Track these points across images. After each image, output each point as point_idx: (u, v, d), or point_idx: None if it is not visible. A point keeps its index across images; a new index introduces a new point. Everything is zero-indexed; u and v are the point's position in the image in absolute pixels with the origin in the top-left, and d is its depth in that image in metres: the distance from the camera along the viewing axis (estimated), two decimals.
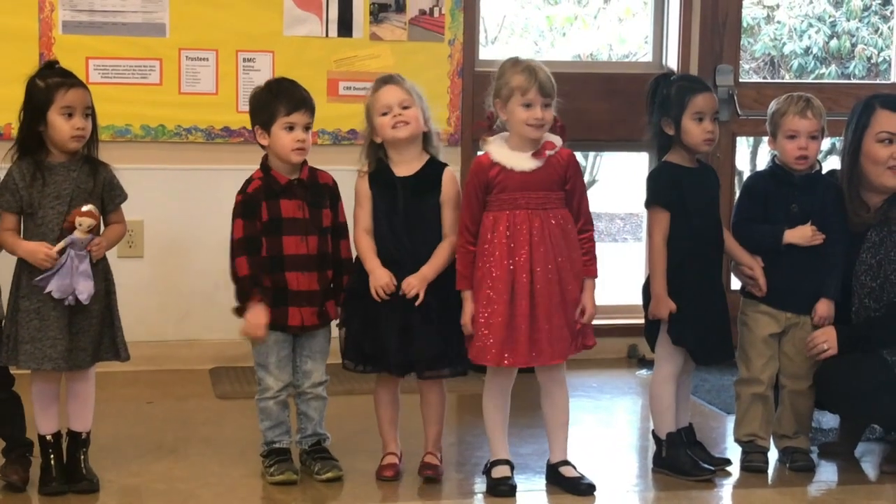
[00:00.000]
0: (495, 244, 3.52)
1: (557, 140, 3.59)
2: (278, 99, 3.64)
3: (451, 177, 3.69)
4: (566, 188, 3.59)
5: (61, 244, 3.44)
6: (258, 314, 3.60)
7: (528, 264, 3.51)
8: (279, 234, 3.63)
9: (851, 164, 3.88)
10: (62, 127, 3.48)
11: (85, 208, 3.47)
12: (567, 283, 3.56)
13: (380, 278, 3.59)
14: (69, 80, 3.53)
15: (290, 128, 3.62)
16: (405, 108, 3.62)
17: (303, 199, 3.66)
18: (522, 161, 3.54)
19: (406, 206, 3.64)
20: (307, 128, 3.64)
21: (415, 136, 3.65)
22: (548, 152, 3.55)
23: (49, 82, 3.50)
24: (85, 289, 3.47)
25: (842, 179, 3.90)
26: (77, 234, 3.45)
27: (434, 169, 3.68)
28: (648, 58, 5.66)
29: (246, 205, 3.65)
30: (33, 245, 3.46)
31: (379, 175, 3.67)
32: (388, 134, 3.62)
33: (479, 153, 3.68)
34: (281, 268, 3.63)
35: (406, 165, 3.66)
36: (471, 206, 3.56)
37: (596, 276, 3.64)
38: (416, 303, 3.58)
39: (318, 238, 3.66)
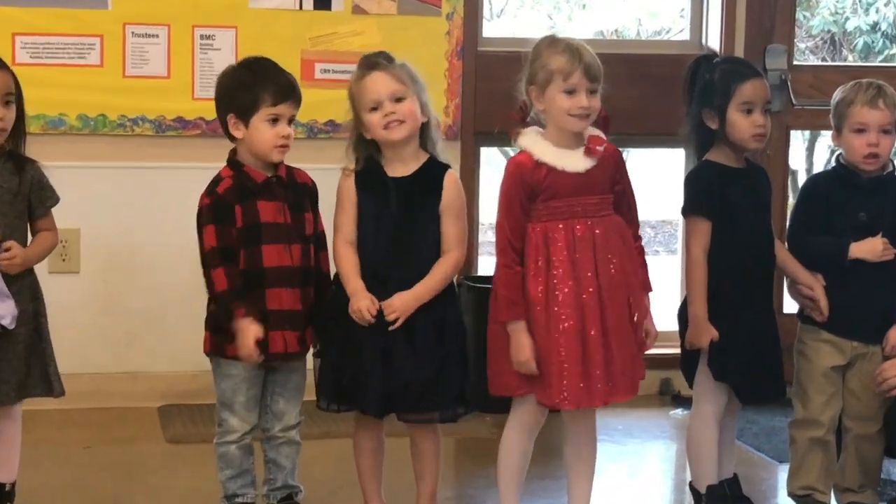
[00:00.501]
0: (555, 263, 3.50)
1: (602, 134, 3.57)
2: (263, 84, 3.62)
3: (455, 181, 3.68)
4: (615, 189, 3.58)
5: None
6: (247, 332, 3.53)
7: (595, 282, 3.50)
8: (258, 243, 3.60)
9: None
10: None
11: None
12: (636, 302, 3.57)
13: (360, 300, 3.57)
14: None
15: (275, 120, 3.62)
16: (398, 100, 3.60)
17: (283, 200, 3.64)
18: (574, 160, 3.52)
19: (399, 214, 3.63)
20: (290, 120, 3.64)
21: (412, 135, 3.64)
22: (599, 148, 3.53)
23: None
24: (6, 311, 3.46)
25: None
26: None
27: (434, 170, 3.66)
28: (685, 35, 5.69)
29: (216, 207, 3.61)
30: None
31: (368, 174, 3.66)
32: (380, 135, 3.61)
33: (515, 151, 3.61)
34: (260, 283, 3.60)
35: (401, 164, 3.66)
36: (514, 217, 3.51)
37: (652, 290, 3.64)
38: (391, 327, 3.55)
39: (302, 248, 3.64)
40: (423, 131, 3.67)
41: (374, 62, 3.65)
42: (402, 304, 3.56)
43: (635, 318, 3.57)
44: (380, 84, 3.60)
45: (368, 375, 3.59)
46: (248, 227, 3.59)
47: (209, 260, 3.60)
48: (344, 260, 3.64)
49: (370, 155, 3.66)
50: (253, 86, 3.62)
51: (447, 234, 3.63)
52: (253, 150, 3.63)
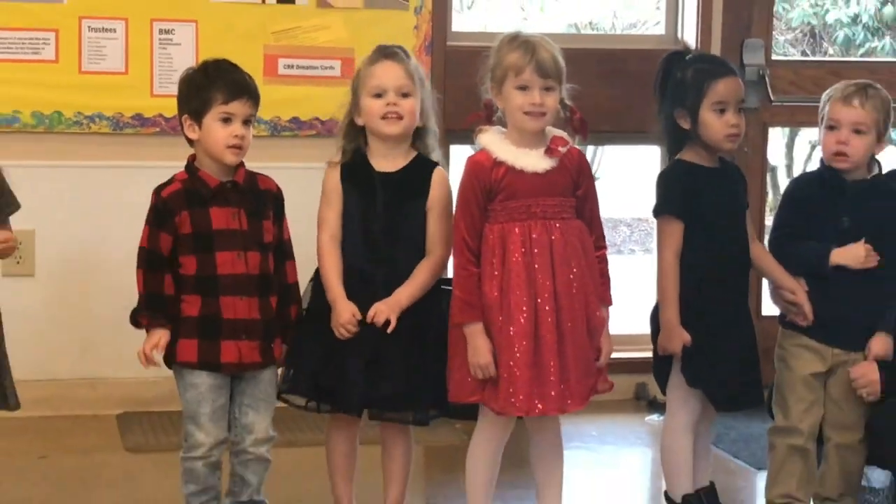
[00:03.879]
0: (511, 263, 3.51)
1: (565, 134, 3.58)
2: (215, 83, 3.61)
3: (443, 178, 3.70)
4: (577, 194, 3.59)
5: None
6: (149, 339, 3.57)
7: (551, 286, 3.50)
8: (210, 251, 3.60)
9: None
10: None
11: None
12: (592, 311, 3.58)
13: (341, 314, 3.59)
14: None
15: (227, 119, 3.61)
16: (403, 95, 3.62)
17: (238, 206, 3.63)
18: (534, 160, 3.53)
19: (386, 210, 3.64)
20: (247, 122, 3.62)
21: (406, 135, 3.66)
22: (560, 149, 3.55)
23: None
24: None
25: None
26: None
27: (422, 167, 3.68)
28: (661, 29, 5.69)
29: (156, 211, 3.61)
30: None
31: (354, 168, 3.67)
32: (375, 124, 3.63)
33: (475, 150, 3.64)
34: (214, 292, 3.59)
35: (389, 160, 3.67)
36: (471, 217, 3.53)
37: (611, 304, 3.66)
38: (388, 329, 3.58)
39: (260, 255, 3.63)
40: (419, 135, 3.69)
41: (391, 52, 3.68)
42: (390, 308, 3.58)
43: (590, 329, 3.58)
44: (390, 72, 3.63)
45: (350, 373, 3.60)
46: (199, 234, 3.59)
47: (138, 258, 3.62)
48: (327, 259, 3.65)
49: (357, 147, 3.67)
50: (206, 85, 3.61)
51: (432, 233, 3.66)
52: (207, 151, 3.62)
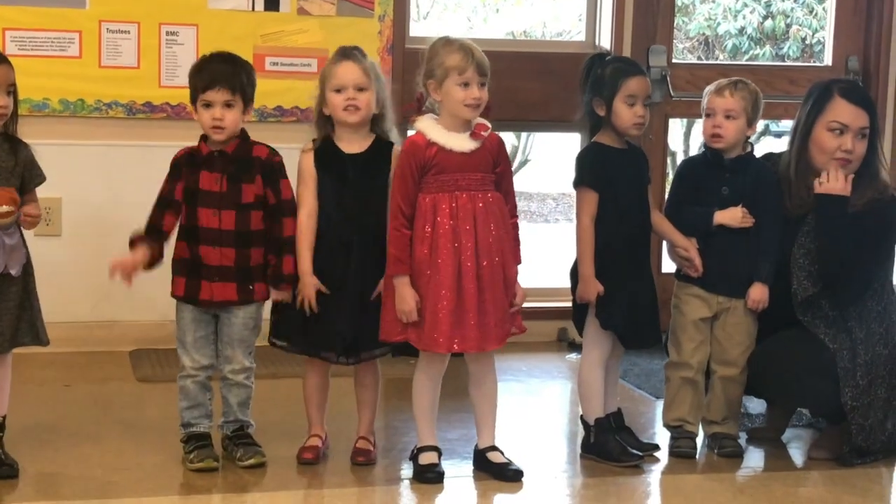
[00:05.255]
0: (439, 226, 3.51)
1: (487, 122, 3.60)
2: (197, 75, 3.63)
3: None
4: (496, 171, 3.60)
5: None
6: (131, 253, 3.62)
7: (473, 247, 3.51)
8: (195, 206, 3.62)
9: (801, 146, 3.92)
10: None
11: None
12: (508, 266, 3.59)
13: (307, 286, 3.59)
14: None
15: (208, 105, 3.59)
16: (360, 90, 3.61)
17: (221, 171, 3.62)
18: (461, 141, 3.54)
19: (357, 185, 3.63)
20: (228, 104, 3.60)
21: (364, 122, 3.65)
22: (483, 133, 3.56)
23: None
24: (17, 261, 3.44)
25: (789, 160, 3.94)
26: None
27: (382, 147, 3.68)
28: (582, 37, 5.68)
29: (171, 167, 3.68)
30: None
31: (326, 152, 3.66)
32: (338, 114, 3.62)
33: (410, 133, 3.67)
34: (196, 240, 3.62)
35: (354, 143, 3.66)
36: (406, 188, 3.53)
37: (521, 262, 3.67)
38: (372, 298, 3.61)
39: (237, 214, 3.61)
40: (377, 120, 3.67)
41: (349, 53, 3.66)
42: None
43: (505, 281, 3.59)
44: (348, 72, 3.61)
45: (333, 330, 3.61)
46: (190, 190, 3.63)
47: (157, 198, 3.67)
48: (304, 235, 3.63)
49: (327, 135, 3.66)
50: (192, 78, 3.64)
51: None
52: (203, 129, 3.63)
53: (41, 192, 3.64)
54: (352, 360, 3.69)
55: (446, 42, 3.56)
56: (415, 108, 3.62)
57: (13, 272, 3.45)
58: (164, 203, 3.67)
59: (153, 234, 3.65)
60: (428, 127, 3.56)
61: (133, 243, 3.64)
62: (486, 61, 3.53)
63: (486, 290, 3.53)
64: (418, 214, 3.54)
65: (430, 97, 3.57)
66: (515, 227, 3.66)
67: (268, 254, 3.66)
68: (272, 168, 3.67)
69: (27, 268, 3.55)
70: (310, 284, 3.60)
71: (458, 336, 3.52)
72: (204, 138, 3.66)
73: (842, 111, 3.86)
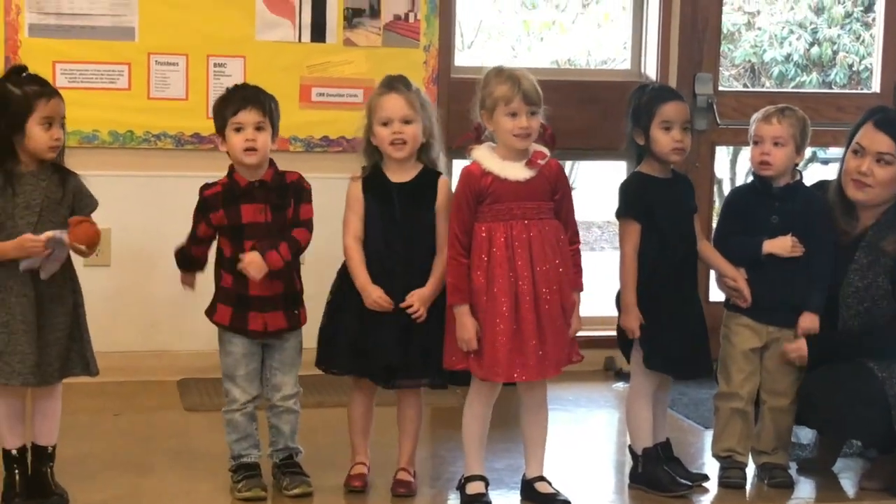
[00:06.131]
0: (495, 256, 3.51)
1: (546, 150, 3.59)
2: (227, 102, 3.65)
3: (447, 186, 3.70)
4: (555, 198, 3.59)
5: (49, 233, 3.40)
6: (183, 278, 3.81)
7: (530, 275, 3.50)
8: (241, 240, 3.62)
9: (839, 171, 3.92)
10: (41, 137, 3.45)
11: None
12: (566, 294, 3.57)
13: (371, 294, 3.59)
14: (48, 89, 3.50)
15: (239, 129, 3.61)
16: (406, 122, 3.61)
17: (264, 202, 3.64)
18: (516, 170, 3.53)
19: (402, 214, 3.64)
20: (259, 127, 3.61)
21: (412, 155, 3.65)
22: (540, 161, 3.55)
23: (27, 91, 3.45)
24: (50, 270, 3.45)
25: (836, 189, 3.92)
26: (65, 237, 3.42)
27: (429, 177, 3.68)
28: (627, 65, 5.67)
29: (198, 205, 3.70)
30: (16, 239, 3.40)
31: (374, 180, 3.67)
32: (385, 149, 3.64)
33: (468, 163, 3.66)
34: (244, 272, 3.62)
35: (402, 172, 3.67)
36: (462, 217, 3.53)
37: (583, 290, 3.65)
38: (420, 320, 3.59)
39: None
40: (424, 149, 3.68)
41: (394, 85, 3.67)
42: (420, 299, 3.58)
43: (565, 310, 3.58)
44: (395, 105, 3.61)
45: (382, 347, 3.61)
46: (232, 226, 3.63)
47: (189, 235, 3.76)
48: (352, 253, 3.65)
49: (375, 163, 3.67)
50: (220, 107, 3.66)
51: (441, 233, 3.65)
52: (233, 158, 3.65)
53: None
54: (392, 385, 3.68)
55: (497, 72, 3.56)
56: (473, 137, 3.61)
57: (42, 275, 3.43)
58: (193, 240, 3.74)
59: (185, 262, 3.77)
60: (484, 156, 3.56)
61: (180, 266, 3.77)
62: (535, 90, 3.52)
63: (544, 319, 3.52)
64: (474, 244, 3.53)
65: (486, 127, 3.57)
66: (576, 253, 3.64)
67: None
68: (300, 190, 3.69)
69: (77, 298, 3.57)
70: (374, 292, 3.59)
71: (518, 365, 3.50)
72: (230, 172, 3.66)
73: (864, 134, 3.86)
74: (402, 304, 3.58)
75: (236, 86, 3.76)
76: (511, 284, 3.50)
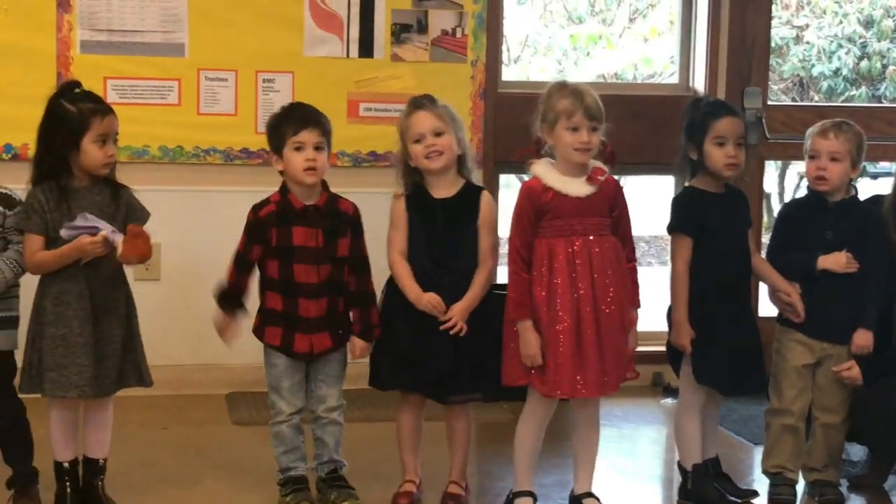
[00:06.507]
0: (556, 272, 3.49)
1: (604, 166, 3.57)
2: (286, 121, 3.65)
3: (489, 200, 3.70)
4: (613, 215, 3.58)
5: (104, 233, 3.43)
6: (225, 325, 3.72)
7: (591, 291, 3.49)
8: (290, 262, 3.63)
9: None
10: (96, 154, 3.48)
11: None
12: (625, 311, 3.56)
13: (424, 297, 3.60)
14: (102, 106, 3.54)
15: (299, 148, 3.62)
16: (438, 135, 3.62)
17: (317, 226, 3.64)
18: (577, 186, 3.52)
19: (445, 230, 3.64)
20: (318, 147, 3.63)
21: (449, 165, 3.65)
22: (600, 178, 3.54)
23: (82, 108, 3.49)
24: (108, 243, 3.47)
25: (892, 204, 3.88)
26: (119, 245, 3.44)
27: (471, 192, 3.69)
28: (675, 79, 5.65)
29: (253, 226, 3.68)
30: (74, 241, 3.43)
31: (416, 197, 3.68)
32: (422, 163, 3.64)
33: (527, 178, 3.64)
34: (292, 293, 3.63)
35: (444, 188, 3.67)
36: (523, 232, 3.52)
37: (640, 307, 3.63)
38: (461, 334, 3.59)
39: (332, 267, 3.65)
40: (460, 161, 3.68)
41: (420, 103, 3.68)
42: (459, 313, 3.58)
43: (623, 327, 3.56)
44: (423, 121, 3.62)
45: (429, 364, 3.61)
46: (282, 247, 3.63)
47: (233, 257, 3.71)
48: (399, 268, 3.66)
49: (416, 181, 3.68)
50: (280, 125, 3.66)
51: (483, 247, 3.66)
52: (290, 177, 3.65)
53: None
54: (446, 401, 3.68)
55: (560, 86, 3.55)
56: (532, 151, 3.60)
57: (104, 231, 3.43)
58: (242, 265, 3.70)
59: (233, 300, 3.70)
60: (544, 171, 3.54)
61: (222, 307, 3.70)
62: (597, 106, 3.51)
63: (604, 335, 3.50)
64: (535, 259, 3.52)
65: (546, 142, 3.56)
66: (633, 270, 3.62)
67: (348, 305, 3.69)
68: (356, 224, 3.71)
69: (130, 310, 3.61)
70: (425, 297, 3.60)
71: (580, 381, 3.49)
72: (283, 191, 3.67)
73: None
74: (442, 320, 3.58)
75: (293, 104, 3.77)
76: (573, 300, 3.48)
